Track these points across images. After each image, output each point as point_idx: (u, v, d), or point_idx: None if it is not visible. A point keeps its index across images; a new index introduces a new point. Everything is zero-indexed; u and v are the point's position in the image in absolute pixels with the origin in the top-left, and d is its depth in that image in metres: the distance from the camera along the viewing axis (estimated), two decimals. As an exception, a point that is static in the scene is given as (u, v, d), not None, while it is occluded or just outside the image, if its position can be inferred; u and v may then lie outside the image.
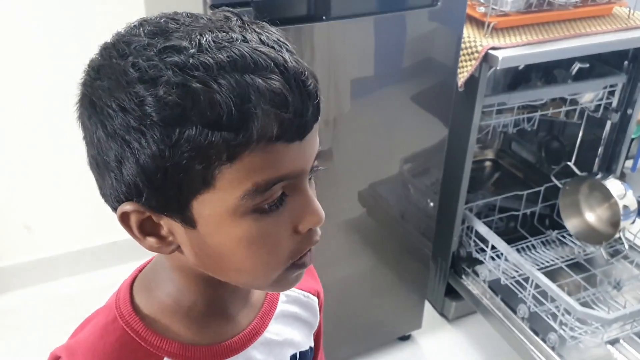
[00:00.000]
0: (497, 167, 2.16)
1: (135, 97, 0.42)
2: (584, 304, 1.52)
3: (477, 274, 1.71)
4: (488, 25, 1.44)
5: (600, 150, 1.84)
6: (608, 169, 1.83)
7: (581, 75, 1.68)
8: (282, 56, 0.44)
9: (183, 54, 0.42)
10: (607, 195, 1.70)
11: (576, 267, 1.74)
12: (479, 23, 1.49)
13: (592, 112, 1.75)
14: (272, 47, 0.45)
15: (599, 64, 1.69)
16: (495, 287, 1.67)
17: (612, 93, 1.70)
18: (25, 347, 1.73)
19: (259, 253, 0.48)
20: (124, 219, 0.48)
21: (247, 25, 0.46)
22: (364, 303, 1.66)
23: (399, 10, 1.26)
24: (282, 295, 0.63)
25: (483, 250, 1.69)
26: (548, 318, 1.51)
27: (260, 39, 0.45)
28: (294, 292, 0.66)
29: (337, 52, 1.24)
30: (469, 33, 1.46)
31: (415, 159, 1.50)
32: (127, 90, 0.42)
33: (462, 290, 1.76)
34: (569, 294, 1.47)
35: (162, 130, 0.42)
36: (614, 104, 1.72)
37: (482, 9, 1.47)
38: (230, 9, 0.49)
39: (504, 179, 2.10)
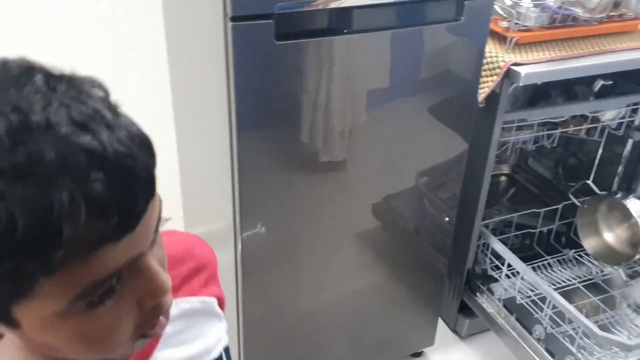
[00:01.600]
0: (513, 182, 2.13)
1: None
2: (603, 327, 1.48)
3: (492, 292, 1.68)
4: (510, 41, 1.42)
5: (620, 168, 1.80)
6: (628, 188, 1.79)
7: (603, 92, 1.65)
8: (99, 140, 0.35)
9: None
10: (627, 215, 1.66)
11: (593, 287, 1.70)
12: (501, 38, 1.47)
13: (613, 129, 1.71)
14: (86, 127, 0.36)
15: (622, 81, 1.66)
16: (510, 306, 1.64)
17: (635, 111, 1.67)
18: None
19: (95, 343, 0.43)
20: None
21: (53, 91, 0.37)
22: (376, 318, 1.63)
23: (422, 24, 1.24)
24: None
25: (499, 268, 1.66)
26: (565, 340, 1.47)
27: (70, 117, 0.35)
28: (186, 301, 0.60)
29: (357, 64, 1.22)
30: (490, 48, 1.44)
31: (432, 173, 1.47)
32: None
33: (476, 308, 1.73)
34: (587, 316, 1.44)
35: None
36: (637, 122, 1.69)
37: (504, 24, 1.45)
38: (32, 62, 0.39)
39: (519, 194, 2.07)
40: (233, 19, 1.05)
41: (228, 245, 1.34)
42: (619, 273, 1.71)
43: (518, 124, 1.56)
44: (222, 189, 1.31)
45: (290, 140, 1.25)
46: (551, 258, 1.79)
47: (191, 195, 1.80)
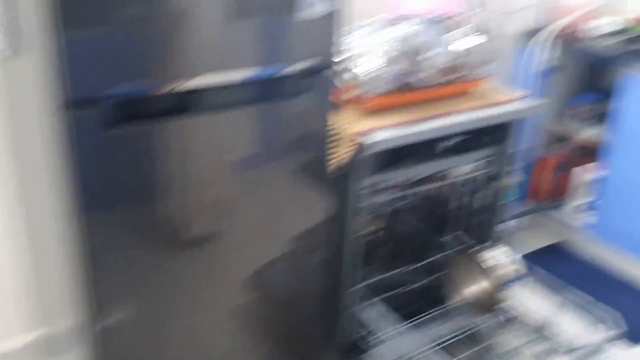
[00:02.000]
0: (389, 238, 2.17)
1: None
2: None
3: (375, 357, 1.67)
4: (359, 109, 1.48)
5: (481, 217, 1.90)
6: (488, 236, 1.89)
7: (460, 147, 1.74)
8: None
9: None
10: (487, 265, 1.74)
11: (473, 337, 1.74)
12: (351, 106, 1.53)
13: (472, 182, 1.82)
14: None
15: (473, 137, 1.76)
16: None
17: (486, 163, 1.78)
18: None
19: None
20: None
21: None
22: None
23: (267, 101, 1.27)
24: None
25: (379, 331, 1.66)
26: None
27: None
28: None
29: (209, 140, 1.22)
30: (342, 117, 1.48)
31: (302, 239, 1.47)
32: None
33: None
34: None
35: None
36: (489, 174, 1.80)
37: (352, 93, 1.51)
38: None
39: (397, 250, 2.11)
40: (67, 105, 1.01)
41: (85, 341, 1.25)
42: (492, 321, 1.77)
43: (378, 188, 1.60)
44: (73, 279, 1.23)
45: (147, 220, 1.21)
46: (432, 312, 1.81)
47: (43, 292, 1.67)
